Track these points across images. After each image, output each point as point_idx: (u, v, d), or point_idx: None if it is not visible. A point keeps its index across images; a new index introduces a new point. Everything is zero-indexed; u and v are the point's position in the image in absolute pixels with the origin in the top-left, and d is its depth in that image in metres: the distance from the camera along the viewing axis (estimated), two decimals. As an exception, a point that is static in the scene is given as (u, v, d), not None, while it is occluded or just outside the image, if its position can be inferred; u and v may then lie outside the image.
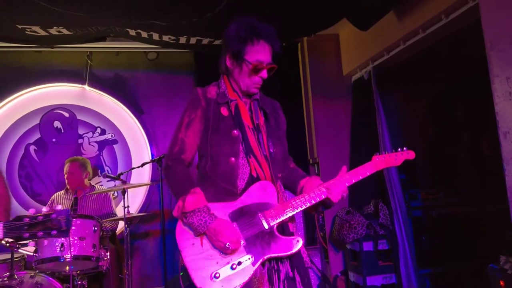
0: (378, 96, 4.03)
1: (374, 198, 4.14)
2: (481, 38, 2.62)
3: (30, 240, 1.29)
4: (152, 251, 4.46)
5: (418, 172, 4.48)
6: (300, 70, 4.66)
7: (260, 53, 1.76)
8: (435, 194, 4.17)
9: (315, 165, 4.47)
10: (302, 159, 4.46)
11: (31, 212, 1.29)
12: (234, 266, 1.65)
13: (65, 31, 3.53)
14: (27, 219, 1.29)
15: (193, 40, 3.77)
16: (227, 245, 1.64)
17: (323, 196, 1.74)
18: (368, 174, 1.80)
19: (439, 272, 3.95)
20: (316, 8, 3.37)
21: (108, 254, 3.21)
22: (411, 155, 1.86)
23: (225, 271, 1.64)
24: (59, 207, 1.28)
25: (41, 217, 1.27)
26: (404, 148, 1.87)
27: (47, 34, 3.55)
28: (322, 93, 4.46)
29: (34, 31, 3.46)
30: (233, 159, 1.77)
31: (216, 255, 1.67)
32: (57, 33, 3.55)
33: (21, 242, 1.28)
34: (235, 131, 1.79)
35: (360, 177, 1.79)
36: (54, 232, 1.27)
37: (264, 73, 1.79)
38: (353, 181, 1.78)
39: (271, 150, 1.83)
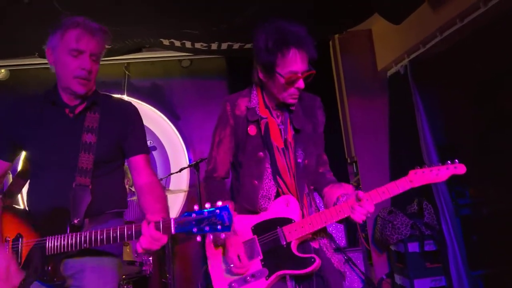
0: (416, 91, 3.89)
1: (417, 196, 3.98)
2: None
3: (198, 235, 1.32)
4: (193, 256, 4.52)
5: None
6: (333, 68, 4.59)
7: (292, 64, 1.64)
8: (484, 191, 3.95)
9: (353, 164, 4.37)
10: (340, 159, 4.38)
11: (195, 208, 1.33)
12: (248, 279, 1.66)
13: (103, 45, 3.68)
14: (194, 215, 1.31)
15: (224, 46, 3.82)
16: (231, 266, 1.66)
17: (341, 217, 1.65)
18: (400, 191, 1.64)
19: (493, 273, 3.73)
20: (346, 5, 3.30)
21: (150, 258, 3.30)
22: (460, 169, 1.63)
23: (239, 283, 1.67)
24: (220, 203, 1.31)
25: (206, 213, 1.29)
26: (455, 161, 1.64)
27: (88, 49, 3.71)
28: (357, 90, 4.37)
29: (75, 47, 3.63)
30: (256, 182, 1.76)
31: (230, 268, 1.70)
32: (96, 48, 3.71)
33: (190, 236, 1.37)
34: (261, 153, 1.76)
35: (390, 195, 1.63)
36: (219, 227, 1.28)
37: (300, 83, 1.67)
38: (382, 199, 1.63)
39: (299, 161, 1.77)
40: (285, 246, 1.68)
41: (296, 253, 1.67)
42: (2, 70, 4.50)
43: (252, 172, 1.77)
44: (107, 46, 3.82)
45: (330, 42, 4.60)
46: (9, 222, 1.52)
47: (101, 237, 1.40)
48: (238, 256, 1.66)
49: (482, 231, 3.79)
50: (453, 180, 3.97)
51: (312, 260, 1.65)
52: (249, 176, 1.77)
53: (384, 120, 4.31)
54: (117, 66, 4.64)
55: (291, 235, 1.67)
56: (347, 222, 3.92)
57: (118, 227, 1.41)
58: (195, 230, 1.30)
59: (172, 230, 1.34)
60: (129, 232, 1.39)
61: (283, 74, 1.66)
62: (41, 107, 1.63)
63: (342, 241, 3.82)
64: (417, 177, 1.63)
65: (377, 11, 3.52)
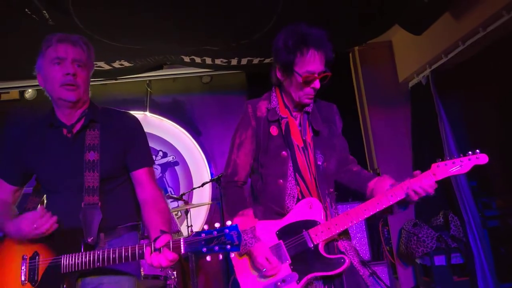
0: (439, 101, 3.85)
1: (443, 208, 3.91)
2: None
3: (207, 255, 1.34)
4: (217, 270, 4.52)
5: (491, 178, 4.16)
6: (353, 80, 4.58)
7: (310, 64, 1.68)
8: (512, 201, 3.85)
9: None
10: (362, 171, 4.33)
11: (205, 227, 1.33)
12: (278, 284, 1.66)
13: (126, 64, 3.78)
14: (204, 235, 1.31)
15: (244, 61, 3.86)
16: (263, 271, 1.65)
17: (384, 206, 1.63)
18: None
19: (524, 285, 3.62)
20: (365, 17, 3.31)
21: (175, 273, 3.32)
22: (482, 159, 1.59)
23: None
24: (229, 223, 1.31)
25: (215, 232, 1.30)
26: (477, 151, 1.61)
27: (111, 67, 3.82)
28: (378, 102, 4.35)
29: (100, 66, 3.75)
30: (281, 181, 1.76)
31: (262, 273, 1.69)
32: (119, 66, 3.82)
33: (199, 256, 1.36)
34: (284, 152, 1.77)
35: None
36: (228, 246, 1.29)
37: (316, 84, 1.71)
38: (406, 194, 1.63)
39: (319, 163, 1.77)
40: (312, 248, 1.67)
41: (324, 254, 1.67)
42: (29, 90, 4.66)
43: (276, 172, 1.77)
44: (129, 65, 3.87)
45: (350, 54, 4.59)
46: (26, 240, 1.54)
47: (113, 256, 1.41)
48: (267, 259, 1.65)
49: (510, 242, 3.69)
50: (479, 191, 3.89)
51: (342, 260, 1.65)
52: (273, 176, 1.77)
53: (407, 131, 4.27)
54: (139, 83, 4.74)
55: (318, 237, 1.67)
56: (372, 234, 3.87)
57: (130, 246, 1.41)
58: (204, 250, 1.30)
59: (182, 250, 1.34)
60: (140, 252, 1.39)
61: (300, 73, 1.69)
62: (43, 131, 1.64)
63: (366, 254, 3.76)
64: (439, 170, 1.61)
65: (397, 22, 3.51)
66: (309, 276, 1.65)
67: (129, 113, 1.77)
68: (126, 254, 1.40)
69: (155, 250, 1.37)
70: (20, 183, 1.69)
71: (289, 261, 1.68)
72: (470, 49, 3.46)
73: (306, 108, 1.82)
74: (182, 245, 1.33)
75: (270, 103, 1.84)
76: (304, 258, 1.67)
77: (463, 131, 4.20)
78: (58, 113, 1.64)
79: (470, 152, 1.61)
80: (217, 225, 1.32)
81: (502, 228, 3.78)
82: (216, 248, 1.29)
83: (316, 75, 1.70)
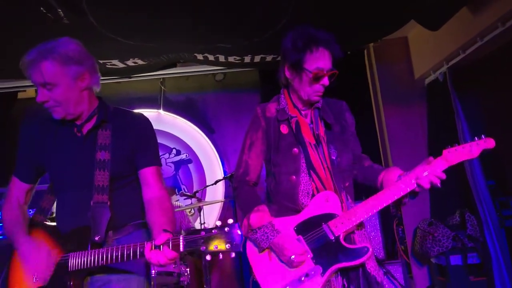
0: (456, 98, 3.78)
1: (459, 207, 3.84)
2: None
3: (207, 254, 1.31)
4: (230, 267, 4.54)
5: (509, 177, 4.07)
6: (368, 77, 4.52)
7: (319, 60, 1.73)
8: (531, 201, 3.75)
9: (391, 175, 4.27)
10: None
11: (229, 221, 1.33)
12: (302, 278, 1.65)
13: (140, 62, 3.81)
14: (203, 233, 1.31)
15: (257, 59, 3.85)
16: (291, 258, 1.64)
17: (404, 192, 1.64)
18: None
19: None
20: (380, 13, 3.26)
21: (188, 269, 3.34)
22: (490, 143, 1.64)
23: (294, 284, 1.65)
24: (231, 221, 1.31)
25: (215, 231, 1.30)
26: (482, 136, 1.66)
27: (125, 66, 3.85)
28: (393, 100, 4.29)
29: (114, 64, 3.78)
30: (294, 177, 1.77)
31: (284, 268, 1.69)
32: (133, 64, 3.85)
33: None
34: (295, 149, 1.78)
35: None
36: (228, 245, 1.29)
37: (326, 80, 1.75)
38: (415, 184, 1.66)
39: (333, 158, 1.78)
40: (334, 240, 1.67)
41: (346, 245, 1.67)
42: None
43: (289, 169, 1.78)
44: (143, 63, 3.87)
45: (365, 51, 4.54)
46: (39, 238, 1.58)
47: (116, 254, 1.43)
48: (294, 246, 1.66)
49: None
50: (497, 190, 3.81)
51: (366, 249, 1.65)
52: (286, 173, 1.78)
53: (423, 130, 4.20)
54: (153, 81, 4.76)
55: (338, 229, 1.67)
56: (387, 233, 3.83)
57: (132, 244, 1.42)
58: (203, 248, 1.30)
59: (181, 248, 1.33)
60: (141, 250, 1.40)
61: (311, 70, 1.73)
62: (56, 128, 1.66)
63: (380, 253, 3.72)
64: (451, 156, 1.66)
65: (413, 18, 3.45)
66: (333, 267, 1.65)
67: (140, 113, 1.78)
68: (128, 252, 1.41)
69: (155, 247, 1.38)
70: (33, 180, 1.72)
71: (311, 255, 1.68)
72: (489, 45, 3.38)
73: (316, 104, 1.85)
74: (181, 243, 1.34)
75: (279, 104, 1.87)
76: (326, 251, 1.67)
77: (480, 129, 4.10)
78: None
79: (476, 138, 1.67)
80: (218, 223, 1.31)
81: (520, 228, 3.70)
82: (216, 247, 1.29)
83: (325, 72, 1.73)
